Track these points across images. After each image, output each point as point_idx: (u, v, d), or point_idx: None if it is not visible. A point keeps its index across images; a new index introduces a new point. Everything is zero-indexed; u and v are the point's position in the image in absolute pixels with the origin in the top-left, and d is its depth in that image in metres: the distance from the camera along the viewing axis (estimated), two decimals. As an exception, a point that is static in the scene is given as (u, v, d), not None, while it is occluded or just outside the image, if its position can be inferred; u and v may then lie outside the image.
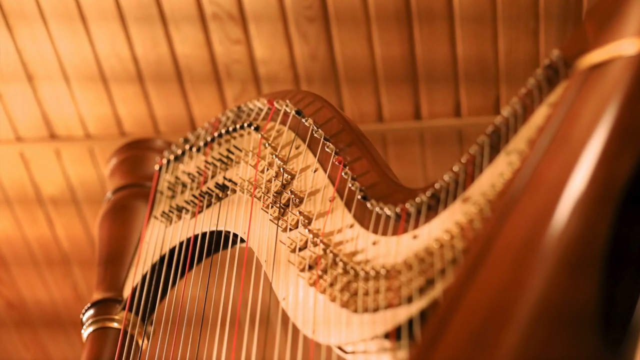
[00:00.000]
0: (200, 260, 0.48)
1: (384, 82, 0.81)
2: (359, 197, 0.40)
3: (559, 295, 0.28)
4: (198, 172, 0.50)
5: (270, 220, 0.43)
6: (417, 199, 0.38)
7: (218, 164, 0.49)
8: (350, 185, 0.41)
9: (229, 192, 0.47)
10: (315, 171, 0.43)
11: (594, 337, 0.28)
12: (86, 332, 0.48)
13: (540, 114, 0.36)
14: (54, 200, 0.92)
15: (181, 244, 0.48)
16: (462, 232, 0.35)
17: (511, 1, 0.73)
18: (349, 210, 0.40)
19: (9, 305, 0.98)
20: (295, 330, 0.38)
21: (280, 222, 0.43)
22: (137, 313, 0.47)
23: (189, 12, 0.81)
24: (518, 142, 0.36)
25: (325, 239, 0.40)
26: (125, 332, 0.47)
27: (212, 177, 0.49)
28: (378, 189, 0.40)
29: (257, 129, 0.48)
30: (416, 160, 0.85)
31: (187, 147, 0.52)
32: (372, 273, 0.37)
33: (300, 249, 0.41)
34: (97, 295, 0.49)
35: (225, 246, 0.47)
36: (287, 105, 0.47)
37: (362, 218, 0.40)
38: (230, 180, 0.47)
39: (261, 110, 0.49)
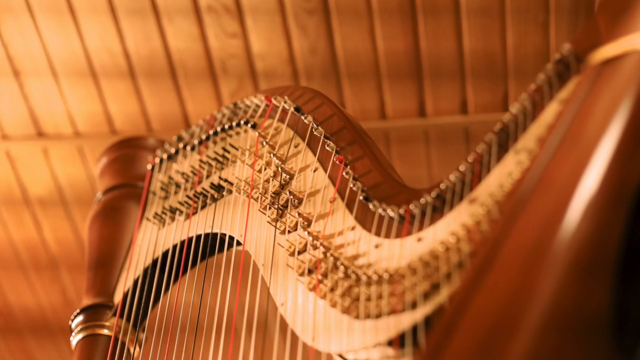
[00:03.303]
0: (194, 264, 0.46)
1: (387, 78, 0.79)
2: (361, 197, 0.39)
3: (570, 301, 0.27)
4: (192, 172, 0.49)
5: (267, 222, 0.42)
6: (422, 200, 0.37)
7: (213, 163, 0.48)
8: (351, 185, 0.40)
9: (224, 193, 0.46)
10: (315, 171, 0.42)
11: (606, 344, 0.27)
12: (75, 339, 0.47)
13: (550, 111, 0.35)
14: (42, 201, 0.90)
15: (175, 247, 0.47)
16: (468, 234, 0.34)
17: (520, -7, 0.73)
18: (351, 211, 0.39)
19: (-5, 311, 0.96)
20: (294, 337, 0.37)
21: (279, 224, 0.41)
22: (128, 319, 0.46)
23: (182, 5, 0.79)
24: (527, 140, 0.35)
25: (326, 242, 0.39)
26: (116, 340, 0.46)
27: (207, 177, 0.48)
28: (381, 190, 0.39)
29: (254, 126, 0.46)
30: (421, 160, 0.84)
31: (180, 145, 0.51)
32: (375, 277, 0.36)
33: (299, 252, 0.40)
34: (86, 301, 0.48)
35: (221, 249, 0.45)
36: (285, 102, 0.46)
37: (364, 220, 0.39)
38: (226, 180, 0.46)
39: (258, 107, 0.48)
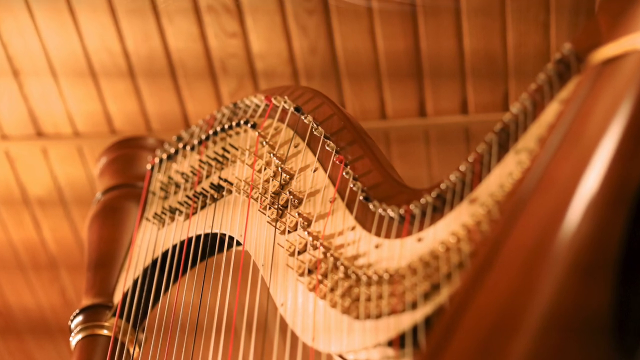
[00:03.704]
0: (194, 264, 0.46)
1: (387, 78, 0.79)
2: (361, 197, 0.39)
3: (571, 301, 0.27)
4: (192, 172, 0.49)
5: (267, 222, 0.42)
6: (422, 200, 0.37)
7: (213, 163, 0.48)
8: (351, 185, 0.40)
9: (224, 193, 0.46)
10: (315, 171, 0.42)
11: (607, 344, 0.27)
12: (75, 339, 0.47)
13: (551, 111, 0.35)
14: (41, 201, 0.90)
15: (174, 247, 0.47)
16: (469, 234, 0.34)
17: (521, -7, 0.73)
18: (351, 211, 0.39)
19: (-6, 311, 0.96)
20: (294, 338, 0.37)
21: (279, 224, 0.41)
22: (128, 320, 0.46)
23: (182, 4, 0.79)
24: (528, 140, 0.35)
25: (326, 242, 0.39)
26: (116, 340, 0.46)
27: (207, 177, 0.48)
28: (381, 190, 0.39)
29: (254, 126, 0.46)
30: (421, 160, 0.84)
31: (180, 145, 0.51)
32: (375, 278, 0.36)
33: (299, 253, 0.40)
34: (86, 301, 0.48)
35: (221, 249, 0.45)
36: (285, 102, 0.46)
37: (364, 220, 0.39)
38: (225, 180, 0.46)
39: (258, 106, 0.48)
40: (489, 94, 0.80)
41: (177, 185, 0.49)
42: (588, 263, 0.28)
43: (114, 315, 0.46)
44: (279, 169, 0.43)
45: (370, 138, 0.43)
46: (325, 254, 0.38)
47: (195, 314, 0.42)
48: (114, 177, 0.53)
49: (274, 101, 0.46)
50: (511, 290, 0.28)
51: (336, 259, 0.38)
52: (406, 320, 0.34)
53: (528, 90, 0.36)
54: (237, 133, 0.47)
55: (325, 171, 0.41)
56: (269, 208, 0.42)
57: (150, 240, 0.48)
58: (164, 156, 0.51)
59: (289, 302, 0.38)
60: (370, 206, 0.38)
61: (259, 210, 0.43)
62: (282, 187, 0.42)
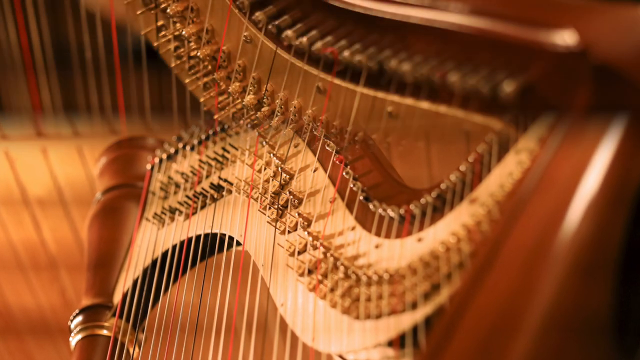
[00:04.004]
0: (194, 264, 0.46)
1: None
2: (361, 198, 0.39)
3: (571, 301, 0.27)
4: (192, 172, 0.49)
5: (267, 222, 0.42)
6: (422, 200, 0.37)
7: (213, 163, 0.48)
8: (351, 185, 0.40)
9: (224, 193, 0.46)
10: (315, 171, 0.42)
11: (607, 344, 0.27)
12: (74, 339, 0.47)
13: (551, 111, 0.35)
14: (41, 202, 0.90)
15: (174, 247, 0.47)
16: (469, 234, 0.34)
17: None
18: (351, 211, 0.39)
19: (-6, 311, 0.96)
20: (294, 338, 0.37)
21: (279, 224, 0.41)
22: (127, 320, 0.46)
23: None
24: (528, 140, 0.35)
25: (326, 242, 0.39)
26: (116, 340, 0.46)
27: (207, 177, 0.48)
28: (381, 190, 0.39)
29: (254, 126, 0.46)
30: (421, 160, 0.83)
31: (180, 145, 0.51)
32: (375, 278, 0.36)
33: (299, 253, 0.40)
34: (86, 301, 0.48)
35: (221, 249, 0.45)
36: (285, 102, 0.46)
37: (364, 220, 0.39)
38: (225, 180, 0.46)
39: (258, 106, 0.48)
40: (489, 93, 0.79)
41: (177, 185, 0.49)
42: (588, 263, 0.28)
43: (113, 315, 0.46)
44: (279, 169, 0.43)
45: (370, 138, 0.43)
46: (325, 254, 0.38)
47: (195, 314, 0.42)
48: (114, 177, 0.53)
49: (274, 101, 0.47)
50: (511, 290, 0.28)
51: (336, 259, 0.38)
52: (406, 321, 0.34)
53: (528, 91, 0.36)
54: (237, 133, 0.48)
55: (325, 171, 0.41)
56: (269, 208, 0.42)
57: (150, 240, 0.48)
58: (164, 156, 0.51)
59: (289, 302, 0.38)
60: (370, 206, 0.38)
61: (259, 210, 0.43)
62: (282, 187, 0.42)
